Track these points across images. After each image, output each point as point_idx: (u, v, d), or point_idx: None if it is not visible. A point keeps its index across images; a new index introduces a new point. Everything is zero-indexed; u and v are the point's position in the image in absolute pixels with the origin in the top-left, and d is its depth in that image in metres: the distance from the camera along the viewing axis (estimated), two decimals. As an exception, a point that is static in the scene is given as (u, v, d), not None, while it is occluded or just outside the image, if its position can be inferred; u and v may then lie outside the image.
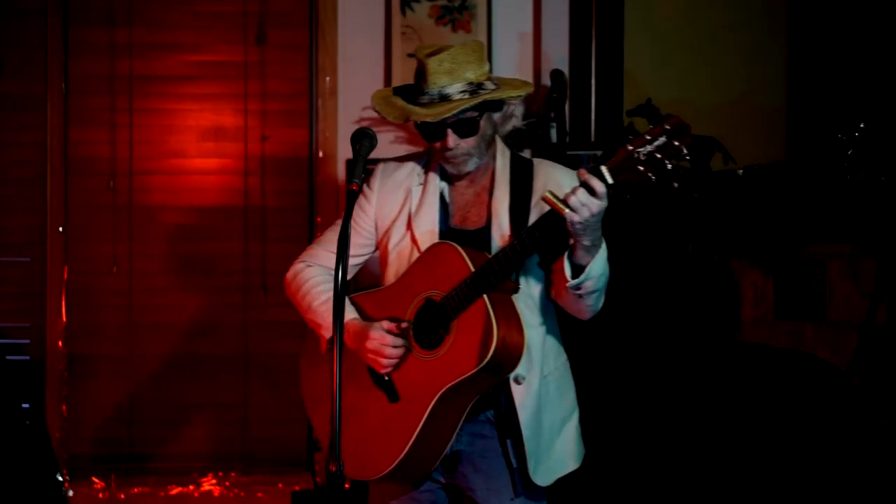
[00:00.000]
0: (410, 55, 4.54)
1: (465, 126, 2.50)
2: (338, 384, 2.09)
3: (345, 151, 4.50)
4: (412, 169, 2.68)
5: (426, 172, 2.66)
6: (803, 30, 4.65)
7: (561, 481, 2.63)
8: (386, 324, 2.54)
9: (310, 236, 4.63)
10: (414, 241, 2.59)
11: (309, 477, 4.58)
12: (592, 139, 4.34)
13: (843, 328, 3.76)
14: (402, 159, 2.74)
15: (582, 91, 4.40)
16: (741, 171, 3.87)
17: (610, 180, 2.23)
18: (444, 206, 2.62)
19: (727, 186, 3.90)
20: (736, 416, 3.60)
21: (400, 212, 2.64)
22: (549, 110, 4.30)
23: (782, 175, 3.89)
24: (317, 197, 4.60)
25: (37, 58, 4.58)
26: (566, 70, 4.43)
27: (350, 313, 2.62)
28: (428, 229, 2.58)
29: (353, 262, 2.71)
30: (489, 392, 2.53)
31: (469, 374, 2.41)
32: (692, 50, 4.76)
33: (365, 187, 2.70)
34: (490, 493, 2.58)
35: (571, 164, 2.90)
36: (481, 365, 2.39)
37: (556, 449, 2.60)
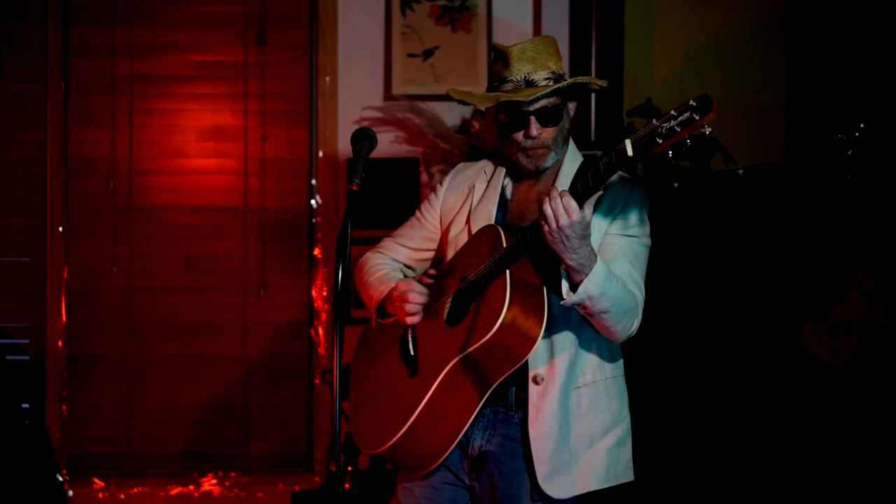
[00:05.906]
0: (418, 52, 4.54)
1: (548, 114, 2.50)
2: (337, 380, 2.09)
3: (345, 151, 4.50)
4: (482, 167, 2.72)
5: (494, 170, 2.69)
6: (803, 30, 4.64)
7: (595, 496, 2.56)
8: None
9: (310, 236, 4.63)
10: (469, 234, 2.62)
11: (309, 477, 4.59)
12: (592, 139, 4.34)
13: (843, 328, 3.75)
14: (476, 160, 2.79)
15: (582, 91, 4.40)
16: (741, 171, 3.87)
17: (630, 153, 2.22)
18: (504, 202, 2.63)
19: (727, 186, 3.89)
20: (736, 416, 3.60)
21: (462, 206, 2.68)
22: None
23: (782, 175, 3.89)
24: (317, 197, 4.60)
25: (37, 58, 4.58)
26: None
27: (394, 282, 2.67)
28: (483, 223, 2.59)
29: (421, 256, 2.77)
30: (524, 397, 2.51)
31: (476, 346, 2.38)
32: (692, 50, 4.75)
33: (437, 184, 2.78)
34: (510, 497, 2.54)
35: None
36: (484, 339, 2.36)
37: (581, 464, 2.52)
